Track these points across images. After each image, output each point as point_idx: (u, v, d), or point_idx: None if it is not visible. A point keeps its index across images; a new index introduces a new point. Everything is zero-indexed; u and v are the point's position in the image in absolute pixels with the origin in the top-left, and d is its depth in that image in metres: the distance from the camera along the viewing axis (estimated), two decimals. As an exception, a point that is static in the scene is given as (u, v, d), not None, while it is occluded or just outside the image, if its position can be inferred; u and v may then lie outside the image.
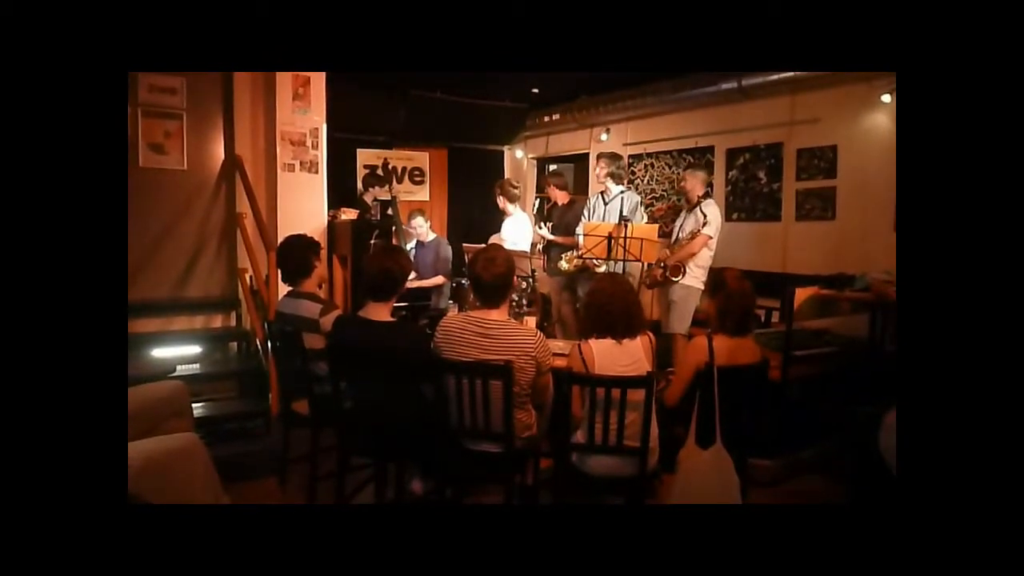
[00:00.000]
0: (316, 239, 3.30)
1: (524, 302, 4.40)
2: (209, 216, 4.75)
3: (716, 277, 2.85)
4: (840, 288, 4.11)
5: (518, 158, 8.50)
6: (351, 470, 2.91)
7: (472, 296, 2.82)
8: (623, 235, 4.34)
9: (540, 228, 5.63)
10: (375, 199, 5.97)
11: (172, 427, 2.48)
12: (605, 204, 5.08)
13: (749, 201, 5.82)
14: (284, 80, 4.80)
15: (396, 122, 7.15)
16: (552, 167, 7.93)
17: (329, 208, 5.16)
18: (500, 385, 2.38)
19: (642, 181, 6.82)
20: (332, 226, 5.19)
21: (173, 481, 2.05)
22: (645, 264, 4.82)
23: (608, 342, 2.54)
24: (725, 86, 5.56)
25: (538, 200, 8.03)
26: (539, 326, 4.18)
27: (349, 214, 5.42)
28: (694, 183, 4.74)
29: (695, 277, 4.60)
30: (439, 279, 5.38)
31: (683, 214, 4.87)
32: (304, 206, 4.91)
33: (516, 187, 5.81)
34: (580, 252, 4.79)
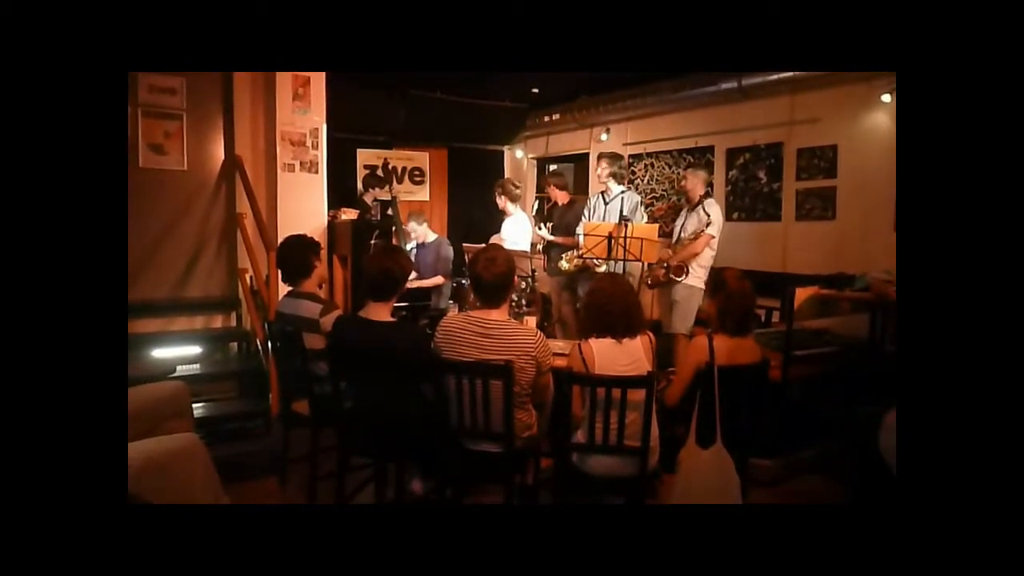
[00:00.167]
0: (316, 239, 3.30)
1: (523, 302, 4.40)
2: (209, 216, 4.75)
3: (716, 277, 2.85)
4: (840, 288, 4.11)
5: (518, 158, 8.50)
6: (351, 470, 2.91)
7: (472, 296, 2.82)
8: (623, 235, 4.34)
9: (540, 228, 5.63)
10: (375, 199, 5.98)
11: (172, 427, 2.48)
12: (605, 204, 5.08)
13: (749, 201, 5.82)
14: (284, 80, 4.80)
15: (396, 122, 7.15)
16: (552, 167, 7.94)
17: (329, 208, 5.16)
18: (500, 385, 2.38)
19: (642, 181, 6.82)
20: (332, 226, 5.20)
21: (173, 481, 2.05)
22: (645, 264, 4.82)
23: (608, 342, 2.54)
24: (725, 86, 5.56)
25: (538, 200, 8.04)
26: (539, 326, 4.18)
27: (349, 214, 5.43)
28: (695, 182, 4.74)
29: (698, 277, 4.60)
30: (439, 279, 5.38)
31: (683, 213, 4.87)
32: (304, 206, 4.91)
33: (518, 187, 5.81)
34: (580, 252, 4.79)
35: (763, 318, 4.97)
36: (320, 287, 3.34)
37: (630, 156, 6.84)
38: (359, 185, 6.55)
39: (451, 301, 5.26)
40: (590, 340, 2.56)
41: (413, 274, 4.73)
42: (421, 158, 8.03)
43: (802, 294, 3.94)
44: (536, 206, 8.13)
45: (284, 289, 3.30)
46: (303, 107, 4.88)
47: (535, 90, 6.98)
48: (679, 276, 4.59)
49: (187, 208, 4.67)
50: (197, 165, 4.69)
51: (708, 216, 4.57)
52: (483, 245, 3.40)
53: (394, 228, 5.54)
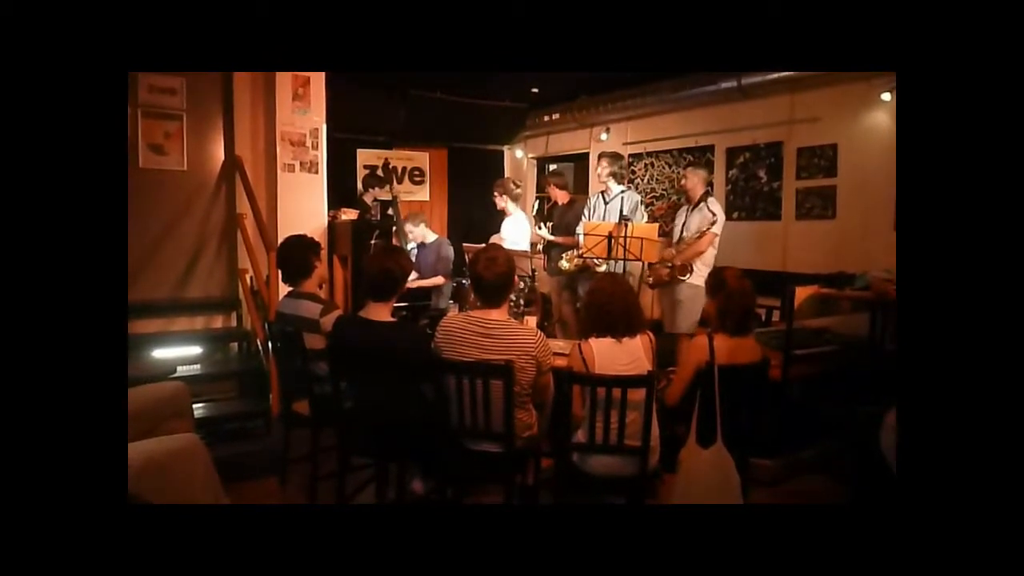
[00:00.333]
0: (316, 239, 3.31)
1: (522, 302, 4.40)
2: (209, 216, 4.75)
3: (716, 276, 2.85)
4: (840, 287, 4.11)
5: (518, 158, 8.50)
6: (352, 470, 2.91)
7: (473, 296, 2.82)
8: (623, 234, 4.34)
9: (540, 228, 5.63)
10: (375, 199, 5.97)
11: (173, 428, 2.48)
12: (605, 203, 5.08)
13: (749, 200, 5.82)
14: (284, 80, 4.80)
15: (396, 122, 7.14)
16: (552, 167, 7.93)
17: (329, 208, 5.16)
18: (501, 385, 2.39)
19: (642, 180, 6.82)
20: (332, 226, 5.19)
21: (173, 481, 2.05)
22: (645, 264, 4.82)
23: (608, 341, 2.54)
24: (725, 85, 5.55)
25: (538, 200, 8.04)
26: (539, 326, 4.18)
27: (349, 214, 5.42)
28: (695, 181, 4.74)
29: (701, 276, 4.58)
30: (438, 279, 5.38)
31: (684, 213, 4.84)
32: (304, 206, 4.91)
33: (518, 186, 5.81)
34: (580, 251, 4.79)
35: (763, 317, 4.96)
36: (320, 287, 3.34)
37: (630, 156, 6.84)
38: (359, 185, 6.55)
39: (451, 301, 5.26)
40: (590, 340, 2.56)
41: (413, 274, 4.73)
42: (421, 158, 8.03)
43: (802, 293, 3.94)
44: (536, 206, 8.14)
45: (284, 289, 3.30)
46: (303, 107, 4.88)
47: (535, 90, 6.98)
48: (684, 275, 4.57)
49: (187, 208, 4.66)
50: (197, 165, 4.69)
51: (715, 214, 4.56)
52: (483, 245, 3.40)
53: (394, 228, 5.53)
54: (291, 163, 4.86)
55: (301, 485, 3.14)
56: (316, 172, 4.96)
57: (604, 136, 7.03)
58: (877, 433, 2.49)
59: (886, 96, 4.68)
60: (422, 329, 3.19)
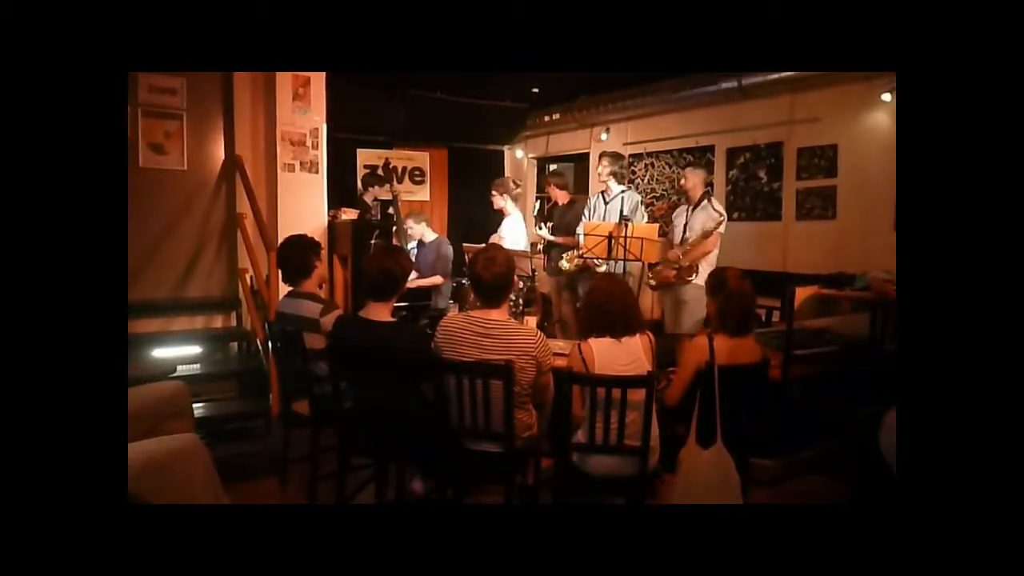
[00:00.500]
0: (316, 239, 3.31)
1: (520, 301, 4.40)
2: (209, 216, 4.75)
3: (717, 277, 2.85)
4: (840, 287, 4.11)
5: (518, 158, 8.50)
6: (351, 470, 2.91)
7: (472, 296, 2.82)
8: (623, 235, 4.34)
9: (540, 228, 5.62)
10: (375, 199, 5.97)
11: (173, 427, 2.48)
12: (606, 204, 5.07)
13: (749, 200, 5.82)
14: (284, 80, 4.80)
15: (396, 122, 7.14)
16: (552, 167, 7.93)
17: (329, 208, 5.16)
18: (501, 385, 2.39)
19: (642, 181, 6.82)
20: (332, 226, 5.19)
21: (173, 481, 2.05)
22: (645, 264, 4.81)
23: (607, 341, 2.54)
24: (725, 85, 5.55)
25: (538, 200, 8.04)
26: (539, 326, 4.18)
27: (349, 214, 5.42)
28: (696, 180, 4.72)
29: (704, 277, 4.59)
30: (437, 279, 5.37)
31: (683, 213, 4.82)
32: (304, 206, 4.90)
33: (518, 185, 5.80)
34: (580, 252, 4.78)
35: (763, 317, 4.95)
36: (320, 287, 3.34)
37: (630, 156, 6.84)
38: (359, 185, 6.55)
39: (451, 301, 5.26)
40: (589, 340, 2.56)
41: (413, 273, 4.73)
42: (421, 158, 8.03)
43: (802, 293, 3.94)
44: (537, 206, 8.13)
45: (284, 289, 3.30)
46: (303, 107, 4.88)
47: (535, 90, 6.98)
48: (690, 276, 4.55)
49: (187, 208, 4.66)
50: (197, 165, 4.69)
51: (721, 214, 4.54)
52: (483, 245, 3.40)
53: (395, 228, 5.53)
54: (291, 163, 4.86)
55: (301, 485, 3.14)
56: (316, 172, 4.96)
57: (604, 136, 7.03)
58: (877, 433, 2.48)
59: (886, 96, 4.68)
60: (422, 329, 3.19)
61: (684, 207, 4.85)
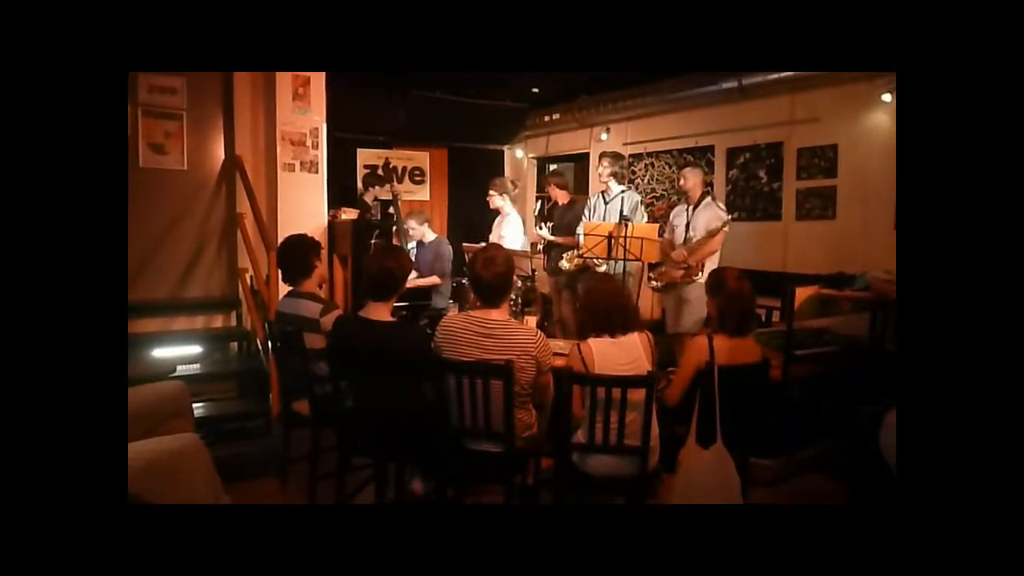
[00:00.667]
0: (316, 239, 3.31)
1: (519, 301, 4.40)
2: (209, 216, 4.75)
3: (716, 277, 2.85)
4: (840, 287, 4.11)
5: (518, 158, 8.51)
6: (351, 470, 2.91)
7: (472, 296, 2.82)
8: (623, 235, 4.34)
9: (540, 228, 5.62)
10: (375, 199, 5.97)
11: (172, 427, 2.48)
12: (606, 204, 5.07)
13: (749, 200, 5.82)
14: (284, 80, 4.80)
15: (396, 122, 7.15)
16: (552, 167, 7.94)
17: (329, 208, 5.16)
18: (501, 385, 2.39)
19: (642, 181, 6.83)
20: (332, 226, 5.19)
21: (174, 482, 2.04)
22: (645, 264, 4.81)
23: (606, 341, 2.54)
24: (725, 85, 5.55)
25: (539, 200, 8.04)
26: (539, 326, 4.18)
27: (349, 214, 5.42)
28: (695, 180, 4.70)
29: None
30: (435, 279, 5.37)
31: (684, 213, 4.80)
32: (304, 206, 4.90)
33: (516, 186, 5.80)
34: (581, 252, 4.78)
35: (763, 318, 4.96)
36: (320, 287, 3.34)
37: (630, 156, 6.84)
38: (359, 185, 6.55)
39: (451, 301, 5.26)
40: (589, 340, 2.56)
41: (413, 273, 4.73)
42: (421, 158, 8.03)
43: (802, 294, 3.94)
44: (537, 206, 8.13)
45: (284, 289, 3.30)
46: (303, 107, 4.88)
47: (535, 90, 6.98)
48: (697, 276, 4.54)
49: (187, 208, 4.66)
50: (197, 165, 4.69)
51: (726, 213, 4.53)
52: (483, 245, 3.40)
53: (395, 228, 5.53)
54: (291, 163, 4.86)
55: (301, 485, 3.14)
56: (316, 172, 4.96)
57: (604, 136, 7.03)
58: (877, 433, 2.48)
59: (886, 96, 4.67)
60: (422, 329, 3.19)
61: (683, 207, 4.84)
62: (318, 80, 4.94)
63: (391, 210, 5.87)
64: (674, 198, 6.43)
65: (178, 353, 4.26)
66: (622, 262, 4.45)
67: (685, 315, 4.67)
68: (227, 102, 4.75)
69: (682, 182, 4.85)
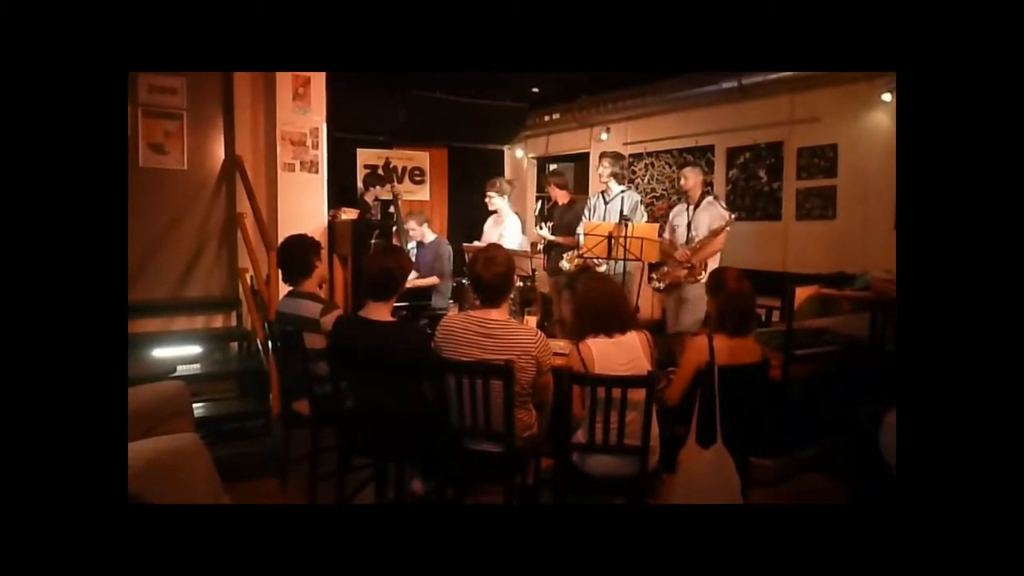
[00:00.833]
0: (316, 239, 3.31)
1: (518, 299, 4.40)
2: (209, 216, 4.75)
3: (716, 277, 2.85)
4: (840, 287, 4.11)
5: (518, 158, 8.51)
6: (351, 470, 2.91)
7: (472, 296, 2.82)
8: (623, 234, 4.34)
9: (540, 228, 5.62)
10: (376, 199, 5.97)
11: (173, 427, 2.48)
12: (606, 203, 5.07)
13: (750, 200, 5.82)
14: (284, 80, 4.80)
15: (396, 122, 7.15)
16: (552, 167, 7.94)
17: (329, 208, 5.16)
18: (501, 385, 2.38)
19: (642, 180, 6.83)
20: (332, 226, 5.19)
21: (174, 481, 2.04)
22: (646, 264, 4.81)
23: (605, 341, 2.54)
24: (725, 85, 5.56)
25: (539, 200, 8.04)
26: (539, 326, 4.18)
27: (349, 214, 5.42)
28: (695, 180, 4.70)
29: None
30: (434, 279, 5.37)
31: (684, 212, 4.79)
32: (304, 206, 4.90)
33: (513, 186, 5.80)
34: (581, 251, 4.78)
35: (763, 318, 4.96)
36: (320, 287, 3.34)
37: (630, 156, 6.84)
38: (359, 185, 6.55)
39: (451, 301, 5.26)
40: (588, 340, 2.56)
41: (413, 273, 4.73)
42: (421, 158, 8.03)
43: (802, 293, 3.94)
44: (537, 206, 8.14)
45: (284, 289, 3.30)
46: (303, 107, 4.88)
47: (535, 90, 6.99)
48: (701, 275, 4.54)
49: (187, 208, 4.67)
50: (197, 165, 4.69)
51: (729, 213, 4.53)
52: (483, 245, 3.40)
53: (395, 228, 5.53)
54: (291, 163, 4.86)
55: (301, 485, 3.14)
56: (316, 172, 4.96)
57: (604, 136, 7.03)
58: (877, 433, 2.49)
59: (886, 96, 4.68)
60: (422, 329, 3.19)
61: (683, 206, 4.83)
62: (318, 80, 4.94)
63: (391, 210, 5.86)
64: (674, 198, 6.43)
65: (178, 353, 4.26)
66: (622, 262, 4.44)
67: (684, 314, 4.66)
68: (227, 102, 4.75)
69: (682, 182, 4.85)
